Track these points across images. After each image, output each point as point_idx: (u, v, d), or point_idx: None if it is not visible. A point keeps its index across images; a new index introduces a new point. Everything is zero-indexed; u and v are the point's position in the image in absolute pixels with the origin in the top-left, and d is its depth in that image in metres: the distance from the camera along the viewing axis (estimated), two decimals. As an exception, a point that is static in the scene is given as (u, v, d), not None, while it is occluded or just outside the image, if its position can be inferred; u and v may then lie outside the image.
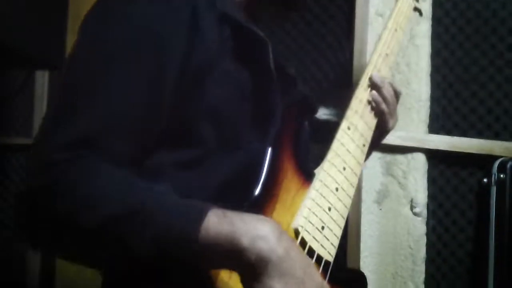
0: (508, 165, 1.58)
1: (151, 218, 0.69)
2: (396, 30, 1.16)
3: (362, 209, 1.65)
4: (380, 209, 1.68)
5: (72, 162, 0.71)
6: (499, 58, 1.71)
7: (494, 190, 1.58)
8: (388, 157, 1.68)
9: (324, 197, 0.86)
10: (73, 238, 0.71)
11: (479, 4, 1.72)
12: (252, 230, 0.68)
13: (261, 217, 0.71)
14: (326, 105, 1.90)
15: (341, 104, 1.74)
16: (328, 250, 0.83)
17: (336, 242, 0.85)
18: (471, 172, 1.69)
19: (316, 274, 0.71)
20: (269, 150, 0.81)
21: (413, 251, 1.66)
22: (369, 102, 1.03)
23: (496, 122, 1.70)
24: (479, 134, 1.69)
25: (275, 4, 0.98)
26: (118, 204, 0.70)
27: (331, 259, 0.83)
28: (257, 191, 0.78)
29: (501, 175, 1.57)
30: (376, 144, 1.11)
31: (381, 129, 1.08)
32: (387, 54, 1.12)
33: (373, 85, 1.04)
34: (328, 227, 0.85)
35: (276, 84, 0.86)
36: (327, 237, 0.84)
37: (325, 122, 1.67)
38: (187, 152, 0.80)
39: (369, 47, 1.68)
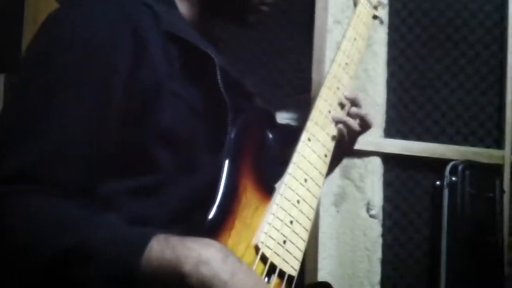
0: (460, 168, 1.61)
1: (92, 253, 0.67)
2: (355, 39, 1.16)
3: (321, 212, 1.65)
4: (338, 212, 1.69)
5: (9, 196, 0.68)
6: (453, 64, 1.74)
7: (446, 192, 1.62)
8: (346, 160, 1.68)
9: (285, 210, 0.84)
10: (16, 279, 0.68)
11: (434, 12, 1.74)
12: (195, 256, 0.66)
13: (206, 241, 0.69)
14: (286, 109, 1.89)
15: (300, 108, 1.75)
16: (291, 264, 0.81)
17: (300, 255, 0.83)
18: (425, 175, 1.71)
19: None
20: (225, 168, 0.79)
21: (370, 252, 1.68)
22: (330, 112, 1.03)
23: (449, 126, 1.73)
24: (433, 138, 1.72)
25: (228, 22, 0.96)
26: (57, 241, 0.67)
27: (294, 273, 0.81)
28: (213, 211, 0.75)
29: (453, 178, 1.60)
30: (337, 162, 1.08)
31: (343, 149, 1.05)
32: (347, 63, 1.11)
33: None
34: (290, 240, 0.83)
35: (227, 102, 0.83)
36: (290, 251, 0.82)
37: (287, 126, 1.66)
38: (141, 179, 0.77)
39: (328, 53, 1.68)
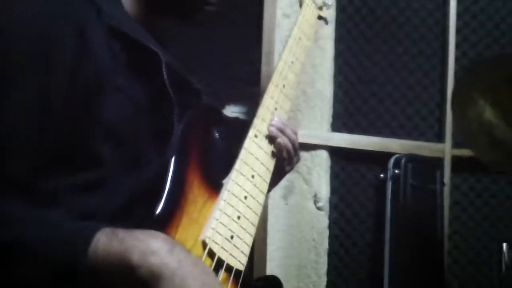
0: (402, 161, 1.67)
1: (36, 249, 0.67)
2: (300, 38, 1.18)
3: (269, 204, 1.68)
4: (286, 204, 1.72)
5: None
6: (397, 60, 1.80)
7: (390, 184, 1.68)
8: (294, 154, 1.72)
9: (232, 206, 0.85)
10: None
11: (379, 10, 1.79)
12: (143, 246, 0.67)
13: (153, 232, 0.70)
14: (236, 102, 1.90)
15: (250, 101, 1.77)
16: (238, 259, 0.83)
17: (247, 250, 0.85)
18: (370, 168, 1.77)
19: (216, 285, 0.71)
20: (172, 165, 0.79)
21: (316, 244, 1.72)
22: (276, 109, 1.04)
23: (393, 120, 1.80)
24: (377, 132, 1.78)
25: (174, 19, 0.96)
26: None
27: (242, 267, 0.83)
28: (160, 207, 0.75)
29: (396, 171, 1.67)
30: (275, 183, 1.05)
31: (279, 172, 1.02)
32: (292, 62, 1.13)
33: (277, 132, 0.99)
34: (237, 236, 0.84)
35: (173, 98, 0.84)
36: (237, 246, 0.83)
37: (235, 119, 1.67)
38: (86, 174, 0.76)
39: (277, 47, 1.70)
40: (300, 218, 1.72)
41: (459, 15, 1.79)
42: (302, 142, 1.70)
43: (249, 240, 0.86)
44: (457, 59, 1.77)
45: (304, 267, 1.71)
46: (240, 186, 0.89)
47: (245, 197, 0.89)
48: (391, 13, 1.79)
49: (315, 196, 1.73)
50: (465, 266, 1.78)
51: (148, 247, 0.68)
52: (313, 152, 1.73)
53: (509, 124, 1.22)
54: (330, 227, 1.73)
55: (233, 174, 0.89)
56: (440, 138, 1.77)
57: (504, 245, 1.24)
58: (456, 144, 1.74)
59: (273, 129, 0.98)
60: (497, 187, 1.78)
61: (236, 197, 0.88)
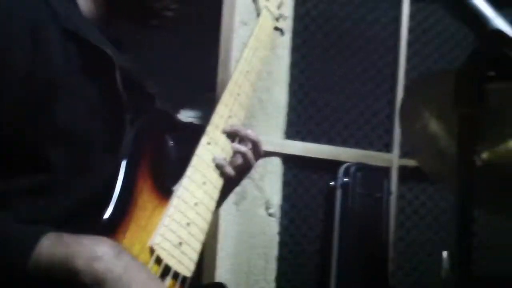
0: (352, 170, 1.72)
1: None
2: (257, 48, 1.20)
3: (221, 210, 1.69)
4: (238, 210, 1.73)
5: None
6: (350, 71, 1.85)
7: (339, 192, 1.73)
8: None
9: (182, 213, 0.86)
10: None
11: (335, 21, 1.84)
12: (88, 252, 0.68)
13: (99, 238, 0.70)
14: (192, 107, 1.90)
15: (206, 106, 1.77)
16: (186, 266, 0.83)
17: (195, 257, 0.85)
18: (321, 175, 1.80)
19: None
20: (122, 170, 0.79)
21: (266, 250, 1.74)
22: (230, 117, 1.06)
23: (344, 130, 1.85)
24: (329, 141, 1.83)
25: (132, 23, 0.96)
26: None
27: (189, 274, 0.83)
28: (108, 212, 0.75)
29: (345, 179, 1.72)
30: (228, 192, 1.04)
31: (235, 180, 1.00)
32: (248, 71, 1.15)
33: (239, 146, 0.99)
34: (186, 242, 0.85)
35: (125, 102, 0.83)
36: (185, 253, 0.84)
37: (190, 124, 1.67)
38: (35, 178, 0.75)
39: (234, 53, 1.71)
40: (251, 225, 1.74)
41: (410, 30, 1.86)
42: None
43: (198, 247, 0.87)
44: (407, 72, 1.84)
45: (253, 273, 1.73)
46: (191, 193, 0.89)
47: (196, 204, 0.90)
48: (346, 25, 1.84)
49: (266, 202, 1.75)
50: (409, 273, 1.84)
51: (93, 252, 0.68)
52: (266, 159, 1.76)
53: (452, 137, 1.27)
54: (280, 233, 1.76)
55: (184, 181, 0.90)
56: (388, 148, 1.83)
57: (444, 253, 1.30)
58: (403, 154, 1.81)
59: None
60: (440, 197, 1.86)
61: (186, 203, 0.88)
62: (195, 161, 0.93)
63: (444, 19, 1.91)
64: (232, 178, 0.97)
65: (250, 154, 0.99)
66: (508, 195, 1.26)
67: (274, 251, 1.74)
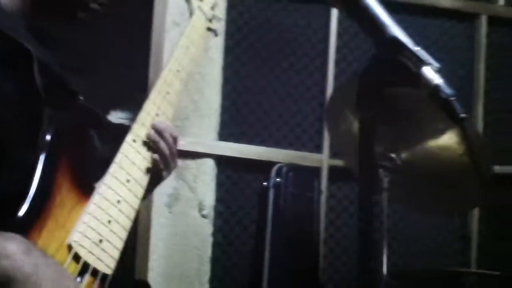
0: (284, 170, 1.76)
1: None
2: (188, 47, 1.21)
3: (153, 213, 1.67)
4: (170, 213, 1.73)
5: None
6: (282, 74, 1.89)
7: (271, 192, 1.76)
8: (180, 162, 1.72)
9: (103, 210, 0.85)
10: None
11: (268, 25, 1.88)
12: None
13: (10, 235, 0.69)
14: (122, 108, 1.88)
15: (136, 108, 1.75)
16: (106, 263, 0.82)
17: (117, 254, 0.85)
18: (254, 176, 1.83)
19: None
20: (39, 166, 0.78)
21: (200, 252, 1.74)
22: (157, 115, 1.05)
23: (277, 131, 1.88)
24: (262, 142, 1.86)
25: (57, 16, 0.94)
26: None
27: (109, 271, 0.82)
28: (23, 209, 0.73)
29: (278, 179, 1.75)
30: (152, 188, 1.03)
31: (156, 178, 1.00)
32: (178, 70, 1.15)
33: (155, 136, 0.98)
34: (107, 240, 0.84)
35: (43, 97, 0.82)
36: (106, 250, 0.83)
37: (119, 126, 1.65)
38: None
39: (166, 54, 1.71)
40: (184, 226, 1.73)
41: (339, 35, 1.93)
42: (189, 150, 1.73)
43: (120, 245, 0.86)
44: (336, 76, 1.90)
45: (187, 275, 1.73)
46: (113, 190, 0.89)
47: (118, 202, 0.89)
48: (278, 29, 1.88)
49: (200, 204, 1.75)
50: (339, 269, 1.90)
51: (2, 250, 0.66)
52: (199, 161, 1.76)
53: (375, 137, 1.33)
54: (214, 234, 1.77)
55: (106, 178, 0.89)
56: (319, 149, 1.89)
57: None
58: (333, 155, 1.86)
59: (152, 132, 0.99)
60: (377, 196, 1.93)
61: (108, 201, 0.87)
62: (119, 158, 0.92)
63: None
64: (159, 165, 0.96)
65: (166, 150, 0.98)
66: (425, 192, 1.34)
67: (207, 253, 1.75)
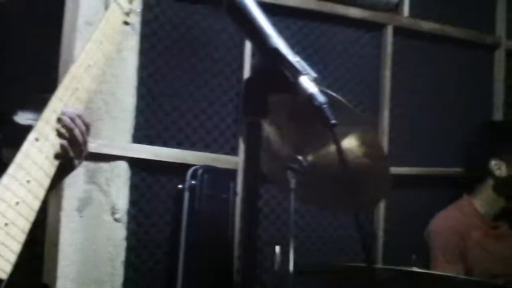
0: (199, 173, 1.77)
1: None
2: (101, 42, 1.18)
3: (62, 218, 1.61)
4: (81, 217, 1.67)
5: None
6: (198, 77, 1.90)
7: (186, 194, 1.76)
8: (92, 165, 1.69)
9: (0, 213, 0.82)
10: None
11: (184, 27, 1.88)
12: None
13: None
14: (30, 109, 1.80)
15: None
16: (1, 267, 0.80)
17: (13, 258, 0.82)
18: (170, 179, 1.82)
19: None
20: None
21: (113, 256, 1.70)
22: (63, 113, 1.03)
23: (193, 134, 1.88)
24: (178, 144, 1.85)
25: None
26: None
27: (4, 276, 0.80)
28: None
29: (193, 181, 1.75)
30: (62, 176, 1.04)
31: (67, 164, 1.01)
32: (90, 65, 1.13)
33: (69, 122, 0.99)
34: (3, 243, 0.81)
35: None
36: (1, 254, 0.80)
37: (28, 127, 1.58)
38: None
39: (77, 54, 1.66)
40: (96, 231, 1.69)
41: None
42: (102, 152, 1.69)
43: (17, 248, 0.83)
44: (251, 80, 1.94)
45: (99, 280, 1.68)
46: (11, 191, 0.86)
47: (17, 203, 0.86)
48: (194, 32, 1.89)
49: (112, 207, 1.71)
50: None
51: None
52: (112, 163, 1.73)
53: (283, 140, 1.38)
54: (127, 238, 1.73)
55: (4, 179, 0.86)
56: (235, 151, 1.91)
57: (277, 247, 1.39)
58: (248, 157, 1.89)
59: (65, 118, 0.97)
60: (282, 196, 1.98)
61: (6, 203, 0.84)
62: (19, 158, 0.89)
63: (285, 31, 2.06)
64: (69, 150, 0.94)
65: (79, 137, 0.98)
66: (331, 192, 1.39)
67: (121, 257, 1.71)
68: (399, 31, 2.22)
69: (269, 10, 1.99)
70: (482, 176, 1.94)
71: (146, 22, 1.81)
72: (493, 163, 1.94)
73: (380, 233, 2.13)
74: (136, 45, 1.78)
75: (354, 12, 2.13)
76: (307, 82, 0.78)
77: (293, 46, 2.20)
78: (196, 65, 1.89)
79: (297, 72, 0.78)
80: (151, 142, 1.80)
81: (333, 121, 0.76)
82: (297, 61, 0.79)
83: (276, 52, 0.79)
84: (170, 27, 1.85)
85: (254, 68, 0.82)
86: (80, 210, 1.68)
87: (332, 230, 2.07)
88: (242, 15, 0.81)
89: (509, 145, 1.94)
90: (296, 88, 0.77)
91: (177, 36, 1.86)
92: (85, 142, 1.02)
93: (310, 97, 0.76)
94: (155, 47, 1.83)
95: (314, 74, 0.79)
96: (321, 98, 0.76)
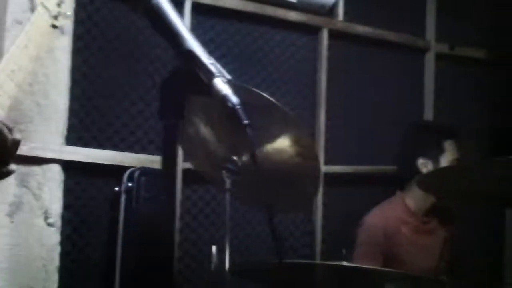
0: (136, 174, 1.74)
1: None
2: (26, 46, 1.15)
3: (-9, 223, 1.56)
4: (12, 222, 1.61)
5: None
6: (135, 77, 1.88)
7: (123, 197, 1.73)
8: (23, 168, 1.62)
9: None
10: None
11: (119, 27, 1.85)
12: None
13: None
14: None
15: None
16: None
17: None
18: (106, 181, 1.79)
19: None
20: None
21: (46, 262, 1.65)
22: None
23: (129, 135, 1.85)
24: (114, 146, 1.82)
25: None
26: None
27: None
28: None
29: (130, 184, 1.73)
30: None
31: None
32: (13, 70, 1.10)
33: None
34: None
35: None
36: None
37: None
38: None
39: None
40: (28, 236, 1.63)
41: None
42: (33, 155, 1.63)
43: None
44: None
45: (32, 287, 1.63)
46: None
47: None
48: (129, 31, 1.86)
49: (45, 212, 1.66)
50: (196, 270, 1.93)
51: None
52: (45, 166, 1.67)
53: (219, 141, 1.38)
54: (62, 243, 1.69)
55: None
56: (173, 152, 1.90)
57: (213, 247, 1.39)
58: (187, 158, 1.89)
59: None
60: (222, 196, 1.99)
61: None
62: None
63: (223, 32, 2.07)
64: None
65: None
66: (267, 192, 1.41)
67: (55, 262, 1.66)
68: (334, 35, 2.28)
69: (207, 11, 2.02)
70: (412, 174, 2.02)
71: (79, 21, 1.76)
72: (420, 162, 2.02)
73: (318, 230, 2.18)
74: (68, 45, 1.73)
75: (290, 15, 2.17)
76: (221, 84, 0.79)
77: (230, 48, 2.24)
78: (131, 65, 1.86)
79: (211, 74, 0.79)
80: (86, 144, 1.76)
81: (246, 122, 0.77)
82: (212, 63, 0.80)
83: (190, 54, 0.80)
84: (104, 26, 1.82)
85: (170, 71, 0.82)
86: (10, 215, 1.61)
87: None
88: (158, 17, 0.82)
89: (435, 144, 2.04)
90: (211, 90, 0.79)
91: (112, 36, 1.83)
92: (15, 148, 0.98)
93: (224, 99, 0.78)
94: (88, 47, 1.79)
95: (228, 76, 0.80)
96: (234, 99, 0.78)
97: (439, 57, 2.57)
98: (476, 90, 2.61)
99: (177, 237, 1.86)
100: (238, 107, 0.77)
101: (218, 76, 0.79)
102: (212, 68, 0.79)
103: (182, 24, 0.83)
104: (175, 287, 1.81)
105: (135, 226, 1.71)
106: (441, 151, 2.02)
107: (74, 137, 1.74)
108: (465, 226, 2.28)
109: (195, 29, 1.97)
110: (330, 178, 2.20)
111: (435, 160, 2.01)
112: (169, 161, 0.81)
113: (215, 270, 1.33)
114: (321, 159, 2.19)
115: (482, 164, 1.55)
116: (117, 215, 1.73)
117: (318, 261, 1.92)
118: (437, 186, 1.55)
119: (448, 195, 1.72)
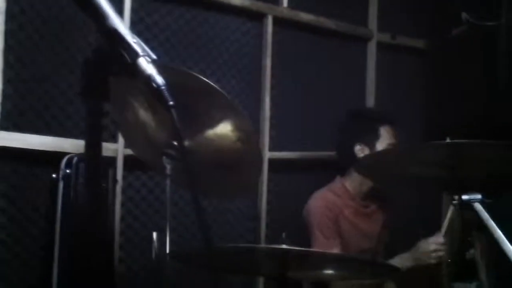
0: (74, 161, 1.68)
1: None
2: None
3: None
4: None
5: None
6: (72, 59, 1.80)
7: (61, 184, 1.67)
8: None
9: None
10: None
11: (55, 9, 1.77)
12: None
13: None
14: None
15: None
16: None
17: None
18: (44, 169, 1.72)
19: None
20: None
21: (-21, 252, 1.58)
22: None
23: (67, 120, 1.79)
24: (51, 132, 1.74)
25: None
26: None
27: None
28: None
29: (67, 170, 1.67)
30: None
31: None
32: None
33: None
34: None
35: None
36: None
37: None
38: None
39: None
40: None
41: (133, 23, 1.91)
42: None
43: None
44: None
45: (-36, 279, 1.55)
46: None
47: None
48: (67, 12, 1.78)
49: (-22, 200, 1.58)
50: (137, 259, 1.90)
51: None
52: (-24, 153, 1.59)
53: (159, 126, 1.36)
54: (-5, 233, 1.62)
55: None
56: (114, 138, 1.85)
57: (154, 234, 1.37)
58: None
59: None
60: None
61: None
62: None
63: (167, 16, 2.02)
64: None
65: None
66: (210, 177, 1.40)
67: (-12, 253, 1.59)
68: (278, 21, 2.27)
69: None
70: (350, 159, 2.06)
71: (13, 1, 1.67)
72: (357, 147, 2.07)
73: (263, 215, 2.19)
74: (1, 26, 1.64)
75: (236, 0, 2.15)
76: (146, 64, 0.77)
77: (174, 32, 2.20)
78: (69, 47, 1.79)
79: (135, 54, 0.76)
80: (21, 130, 1.68)
81: (171, 103, 0.76)
82: (135, 42, 0.77)
83: (114, 33, 0.77)
84: (40, 7, 1.73)
85: (93, 50, 0.79)
86: None
87: (217, 214, 2.09)
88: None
89: (370, 130, 2.08)
90: (135, 70, 0.76)
91: (48, 16, 1.75)
92: None
93: (148, 79, 0.76)
94: (23, 29, 1.70)
95: (153, 56, 0.78)
96: (159, 80, 0.76)
97: (380, 45, 2.62)
98: (414, 79, 2.69)
99: (118, 225, 1.82)
100: (163, 87, 0.75)
101: (142, 56, 0.76)
102: (137, 47, 0.76)
103: (105, 1, 0.79)
104: (116, 275, 1.78)
105: (74, 214, 1.65)
106: (376, 136, 2.07)
107: (8, 122, 1.65)
108: (403, 210, 2.35)
109: (137, 12, 1.92)
110: (275, 164, 2.21)
111: (371, 145, 2.06)
112: (93, 142, 0.78)
113: (155, 256, 1.31)
114: (266, 145, 2.20)
115: (415, 148, 1.60)
116: (55, 203, 1.67)
117: (258, 245, 1.93)
118: (373, 170, 1.59)
119: (384, 179, 1.76)
